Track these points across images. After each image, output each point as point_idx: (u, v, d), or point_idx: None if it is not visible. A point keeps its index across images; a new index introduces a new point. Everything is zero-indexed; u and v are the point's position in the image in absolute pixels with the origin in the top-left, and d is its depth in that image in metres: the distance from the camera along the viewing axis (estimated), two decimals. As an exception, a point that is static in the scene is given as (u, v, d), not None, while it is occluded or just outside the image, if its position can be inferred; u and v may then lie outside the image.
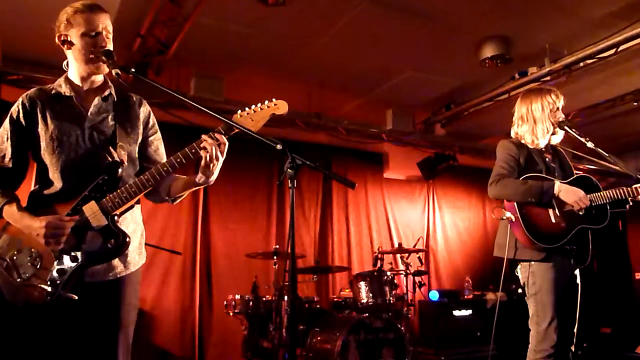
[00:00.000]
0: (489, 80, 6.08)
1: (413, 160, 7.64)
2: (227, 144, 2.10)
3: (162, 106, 5.23)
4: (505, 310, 5.14)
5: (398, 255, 6.79)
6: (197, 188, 2.28)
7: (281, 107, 2.14)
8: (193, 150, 2.10)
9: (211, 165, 2.09)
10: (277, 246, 5.30)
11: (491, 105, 6.39)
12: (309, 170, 1.74)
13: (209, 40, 5.16)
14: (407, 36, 5.18)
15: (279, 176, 6.76)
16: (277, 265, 5.17)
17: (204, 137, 2.08)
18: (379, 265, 5.47)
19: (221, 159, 2.11)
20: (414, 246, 6.29)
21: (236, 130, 2.07)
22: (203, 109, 2.05)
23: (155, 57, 5.03)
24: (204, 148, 2.07)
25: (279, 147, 1.83)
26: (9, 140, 2.19)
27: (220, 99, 5.70)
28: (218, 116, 2.01)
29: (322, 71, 5.93)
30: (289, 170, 1.81)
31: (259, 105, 2.14)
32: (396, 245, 6.33)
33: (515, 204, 3.04)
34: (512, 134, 3.31)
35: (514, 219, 3.03)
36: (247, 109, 2.14)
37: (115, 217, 2.09)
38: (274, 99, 2.16)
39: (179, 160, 2.10)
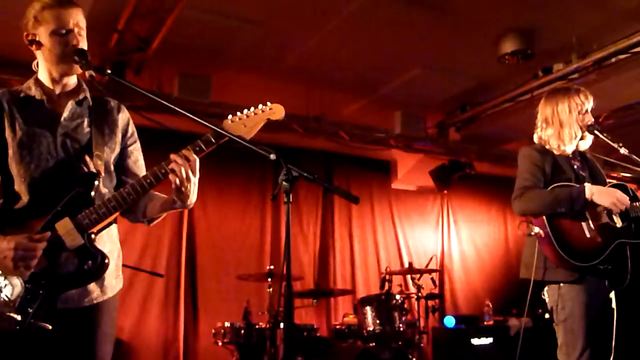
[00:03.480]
0: (509, 79, 6.11)
1: (425, 169, 7.67)
2: (197, 160, 2.10)
3: (143, 109, 5.25)
4: (531, 338, 5.13)
5: (408, 277, 6.80)
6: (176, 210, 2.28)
7: (277, 111, 2.15)
8: (162, 171, 2.10)
9: (183, 188, 2.09)
10: (272, 267, 5.31)
11: (512, 106, 6.41)
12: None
13: (194, 35, 5.20)
14: (416, 30, 5.21)
15: (273, 189, 6.77)
16: (271, 289, 5.18)
17: (172, 156, 2.08)
18: (387, 287, 5.47)
19: (194, 179, 2.11)
20: (427, 266, 6.29)
21: (226, 138, 2.08)
22: (188, 114, 2.06)
23: (134, 54, 5.07)
24: (172, 170, 2.07)
25: (272, 157, 1.84)
26: None
27: (207, 100, 5.73)
28: (206, 123, 2.03)
29: (322, 69, 5.97)
30: (284, 182, 1.82)
31: (252, 109, 2.16)
32: (406, 265, 6.34)
33: (544, 217, 3.03)
34: (536, 139, 3.33)
35: (543, 235, 3.02)
36: (239, 113, 2.15)
37: (92, 236, 2.10)
38: (268, 103, 2.18)
39: (163, 171, 2.11)
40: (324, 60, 5.77)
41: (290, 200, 1.81)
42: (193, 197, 2.16)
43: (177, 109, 2.11)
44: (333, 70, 6.01)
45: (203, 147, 2.10)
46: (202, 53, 5.55)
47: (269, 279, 5.17)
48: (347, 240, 7.37)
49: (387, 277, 5.62)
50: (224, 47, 5.45)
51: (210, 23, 5.03)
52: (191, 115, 2.03)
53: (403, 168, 7.81)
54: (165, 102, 2.13)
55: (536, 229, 3.05)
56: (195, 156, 2.09)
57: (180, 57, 5.58)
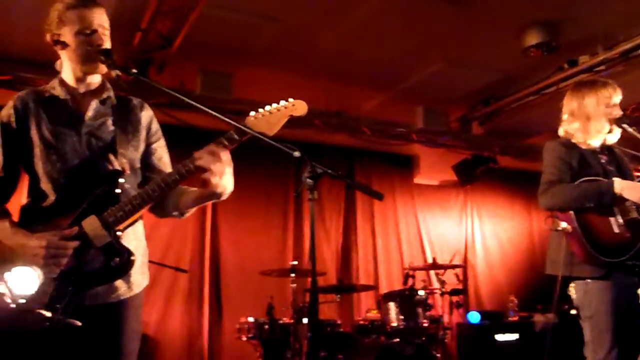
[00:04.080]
0: (534, 72, 6.04)
1: (447, 163, 7.62)
2: (227, 152, 2.09)
3: (166, 107, 5.30)
4: (557, 334, 5.07)
5: (432, 272, 6.75)
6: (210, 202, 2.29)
7: (299, 107, 2.14)
8: (186, 169, 2.09)
9: (219, 181, 2.08)
10: (295, 262, 5.31)
11: (536, 99, 6.34)
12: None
13: (216, 33, 5.23)
14: (438, 23, 5.18)
15: (295, 184, 6.81)
16: (295, 284, 5.18)
17: (195, 154, 2.07)
18: (410, 283, 5.46)
19: (229, 169, 2.10)
20: (450, 261, 6.26)
21: (249, 135, 2.09)
22: (210, 111, 2.06)
23: (157, 52, 5.12)
24: (201, 167, 2.06)
25: (296, 154, 1.84)
26: (0, 147, 2.24)
27: (229, 97, 5.77)
28: (228, 120, 2.03)
29: (343, 64, 5.96)
30: (308, 180, 1.81)
31: (274, 105, 2.15)
32: (429, 261, 6.31)
33: (572, 212, 2.99)
34: (561, 133, 3.28)
35: (570, 230, 2.98)
36: (261, 110, 2.14)
37: (118, 233, 2.13)
38: (290, 99, 2.17)
39: (187, 168, 2.10)
40: (345, 55, 5.76)
41: (315, 197, 1.81)
42: (229, 188, 2.14)
43: (199, 105, 2.10)
44: (354, 65, 6.00)
45: (226, 143, 2.09)
46: (223, 50, 5.58)
47: (292, 275, 5.18)
48: (370, 235, 7.35)
49: (410, 272, 5.61)
50: (245, 44, 5.48)
51: (232, 20, 5.05)
52: (213, 113, 2.03)
53: (425, 163, 7.77)
54: (188, 100, 2.13)
55: (563, 224, 3.01)
56: (220, 150, 2.07)
57: (202, 54, 5.63)
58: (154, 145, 2.42)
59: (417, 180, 7.82)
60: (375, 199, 1.78)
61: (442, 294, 5.81)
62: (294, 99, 2.20)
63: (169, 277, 5.98)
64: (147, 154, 2.40)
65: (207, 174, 2.06)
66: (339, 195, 7.17)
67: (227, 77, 5.81)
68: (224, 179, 2.10)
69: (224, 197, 2.17)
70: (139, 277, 2.29)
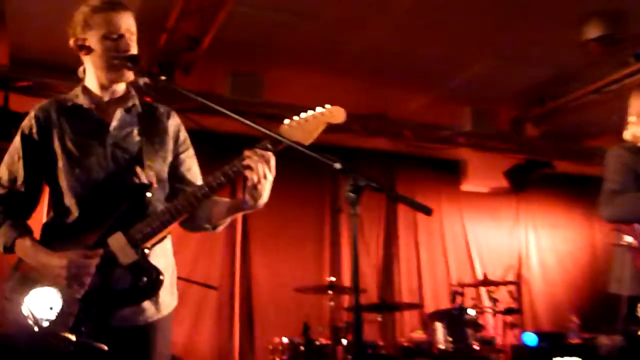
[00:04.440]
0: (594, 68, 5.93)
1: (498, 169, 7.55)
2: (273, 156, 2.12)
3: (193, 112, 5.37)
4: (624, 359, 4.95)
5: (482, 289, 6.68)
6: (243, 213, 2.31)
7: (337, 114, 2.15)
8: (234, 169, 2.12)
9: (259, 186, 2.11)
10: (333, 279, 5.32)
11: (597, 98, 6.22)
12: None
13: (245, 32, 5.28)
14: (487, 15, 5.13)
15: (331, 195, 6.84)
16: (332, 302, 5.19)
17: (246, 152, 2.11)
18: (458, 301, 5.44)
19: (271, 177, 2.12)
20: (503, 277, 6.19)
21: (284, 145, 2.10)
22: (243, 120, 2.06)
23: (183, 54, 5.21)
24: (248, 167, 2.09)
25: (337, 166, 1.83)
26: (21, 160, 2.30)
27: (260, 100, 5.83)
28: (262, 129, 2.04)
29: (382, 63, 5.94)
30: (350, 194, 1.81)
31: (310, 112, 2.16)
32: (480, 276, 6.26)
33: (637, 225, 2.94)
34: (627, 136, 3.22)
35: (636, 245, 2.92)
36: (296, 117, 2.15)
37: (146, 251, 2.16)
38: (327, 105, 2.18)
39: (219, 181, 2.13)
40: (384, 52, 5.75)
41: (357, 212, 1.80)
42: (265, 197, 2.16)
43: (229, 113, 2.09)
44: (395, 64, 5.98)
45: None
46: (253, 50, 5.63)
47: (330, 292, 5.18)
48: (413, 248, 7.33)
49: (459, 289, 5.57)
50: (276, 44, 5.51)
51: (262, 18, 5.10)
52: (247, 122, 2.04)
53: (474, 168, 7.71)
54: (217, 107, 2.11)
55: (628, 238, 2.96)
56: (271, 155, 2.10)
57: (231, 55, 5.69)
58: (182, 156, 2.46)
59: (465, 187, 7.77)
60: (423, 213, 1.76)
61: (495, 314, 5.75)
62: (330, 101, 2.20)
63: (197, 294, 6.03)
64: (175, 164, 2.43)
65: (250, 176, 2.08)
66: (379, 203, 7.16)
67: (257, 79, 5.88)
68: (266, 187, 2.13)
69: (259, 207, 2.19)
70: (168, 297, 2.33)
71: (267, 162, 2.09)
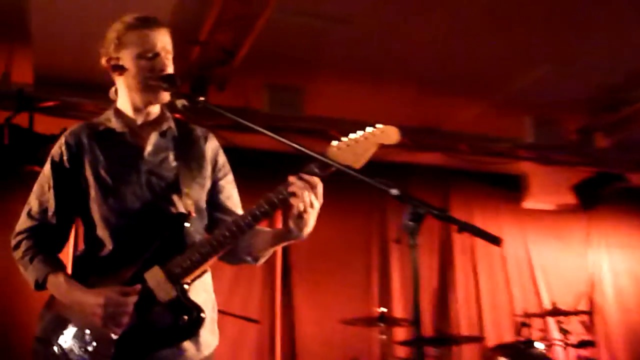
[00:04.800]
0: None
1: (565, 184, 7.44)
2: (321, 184, 2.13)
3: (228, 129, 5.43)
4: None
5: (551, 319, 6.58)
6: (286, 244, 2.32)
7: (390, 134, 2.14)
8: (280, 197, 2.13)
9: (305, 215, 2.12)
10: (383, 310, 5.29)
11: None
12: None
13: (284, 42, 5.31)
14: (550, 15, 5.08)
15: (380, 221, 6.83)
16: (384, 335, 5.16)
17: (291, 178, 2.11)
18: (524, 333, 5.36)
19: (317, 206, 2.13)
20: (574, 306, 6.07)
21: (333, 169, 2.10)
22: (288, 142, 2.06)
23: (218, 68, 5.27)
24: (293, 194, 2.10)
25: (394, 192, 1.83)
26: (52, 189, 2.35)
27: (300, 114, 5.86)
28: (310, 152, 2.04)
29: (433, 71, 5.92)
30: (409, 222, 1.80)
31: (360, 133, 2.15)
32: (547, 305, 6.15)
33: None
34: None
35: None
36: (344, 139, 2.15)
37: (186, 286, 2.18)
38: (379, 125, 2.18)
39: (263, 209, 2.14)
40: (435, 59, 5.73)
41: (416, 242, 1.79)
42: (310, 227, 2.18)
43: (271, 134, 2.10)
44: (447, 71, 5.95)
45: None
46: (292, 61, 5.66)
47: (380, 324, 5.15)
48: (471, 275, 7.30)
49: (525, 320, 5.48)
50: (317, 53, 5.54)
51: (302, 26, 5.12)
52: (291, 143, 2.05)
53: (537, 184, 7.62)
54: (258, 128, 2.12)
55: None
56: (318, 181, 2.11)
57: (268, 67, 5.73)
58: (221, 182, 2.49)
59: (528, 204, 7.68)
60: (492, 244, 1.74)
61: (566, 347, 5.65)
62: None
63: (234, 327, 6.04)
64: (214, 192, 2.46)
65: (296, 204, 2.09)
66: (431, 224, 7.05)
67: (297, 93, 5.92)
68: (312, 215, 2.14)
69: (303, 237, 2.20)
70: (209, 336, 2.34)
71: (314, 188, 2.10)
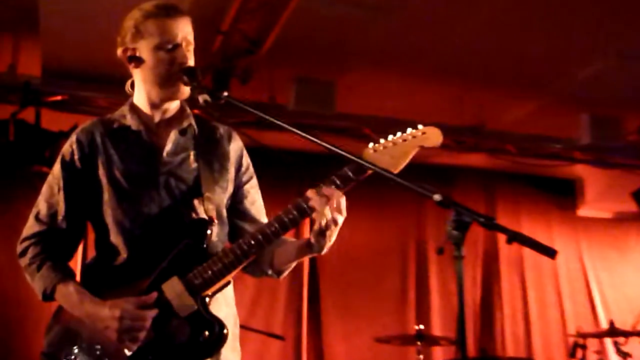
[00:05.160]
0: None
1: (624, 189, 7.36)
2: (343, 196, 2.12)
3: (253, 127, 5.45)
4: None
5: (608, 340, 6.50)
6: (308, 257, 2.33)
7: (432, 137, 2.13)
8: (290, 217, 2.15)
9: (327, 232, 2.12)
10: (421, 327, 5.26)
11: None
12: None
13: (314, 32, 5.31)
14: (608, 5, 5.02)
15: (417, 228, 6.79)
16: (422, 355, 5.13)
17: (309, 193, 2.11)
18: (579, 355, 5.33)
19: (341, 220, 2.12)
20: (634, 325, 5.99)
21: (369, 173, 2.09)
22: (318, 141, 2.04)
23: (241, 59, 5.28)
24: (312, 208, 2.10)
25: (436, 198, 1.80)
26: (62, 191, 2.36)
27: (332, 112, 5.85)
28: (344, 153, 2.02)
29: (478, 65, 5.89)
30: (453, 231, 1.77)
31: (399, 135, 2.15)
32: (604, 324, 6.08)
33: None
34: None
35: None
36: (382, 141, 2.15)
37: (207, 299, 2.19)
38: (420, 126, 2.16)
39: (292, 216, 2.15)
40: (480, 53, 5.69)
41: (462, 254, 1.76)
42: (331, 241, 2.18)
43: (299, 132, 2.05)
44: (494, 65, 5.91)
45: (339, 184, 2.12)
46: (323, 53, 5.66)
47: (418, 342, 5.13)
48: (519, 289, 7.27)
49: (579, 340, 5.41)
50: (351, 44, 5.53)
51: (334, 14, 5.12)
52: (324, 143, 2.03)
53: (593, 189, 7.62)
54: (284, 125, 2.08)
55: None
56: (341, 193, 2.10)
57: (296, 59, 5.74)
58: (246, 187, 2.49)
59: (582, 212, 7.66)
60: (546, 256, 1.71)
61: (626, 371, 5.55)
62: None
63: (256, 343, 6.05)
64: (238, 197, 2.47)
65: (318, 219, 2.09)
66: (475, 232, 7.04)
67: (328, 87, 5.91)
68: (335, 232, 2.14)
69: (324, 252, 2.21)
70: (230, 354, 2.34)
71: (337, 204, 2.09)
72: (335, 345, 6.42)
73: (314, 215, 2.10)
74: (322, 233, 2.13)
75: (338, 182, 2.12)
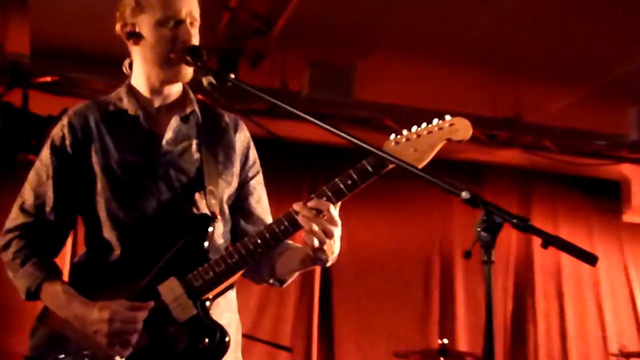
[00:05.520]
0: None
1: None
2: (334, 208, 2.12)
3: (262, 115, 5.45)
4: None
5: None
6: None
7: (461, 129, 2.12)
8: (282, 227, 2.17)
9: (324, 246, 2.12)
10: (445, 341, 5.27)
11: None
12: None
13: (333, 11, 5.32)
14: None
15: (443, 229, 6.78)
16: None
17: (296, 206, 2.11)
18: (621, 376, 5.27)
19: (337, 231, 2.12)
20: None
21: (390, 167, 2.09)
22: (335, 131, 2.05)
23: (250, 40, 5.29)
24: (298, 227, 2.12)
25: (464, 195, 1.80)
26: (51, 179, 2.37)
27: (350, 100, 5.85)
28: (363, 144, 2.02)
29: (513, 52, 5.88)
30: (482, 233, 1.76)
31: (424, 126, 2.15)
32: (650, 342, 6.05)
33: None
34: None
35: None
36: (405, 132, 2.15)
37: (207, 303, 2.20)
38: (447, 116, 2.16)
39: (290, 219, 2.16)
40: (516, 36, 5.69)
41: (492, 258, 1.75)
42: (335, 252, 2.19)
43: (316, 121, 2.07)
44: (531, 51, 5.91)
45: (357, 179, 2.12)
46: (341, 35, 5.66)
47: (442, 359, 5.13)
48: (555, 299, 7.25)
49: (621, 359, 5.38)
50: (372, 26, 5.53)
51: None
52: (342, 134, 2.03)
53: (641, 192, 7.52)
54: (300, 113, 2.09)
55: None
56: (329, 204, 2.10)
57: (312, 41, 5.75)
58: (252, 182, 2.50)
59: (628, 217, 7.63)
60: (585, 262, 1.70)
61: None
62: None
63: (262, 354, 6.07)
64: (244, 194, 2.48)
65: (308, 237, 2.10)
66: (507, 236, 7.05)
67: (346, 73, 5.91)
68: (335, 242, 2.14)
69: (328, 264, 2.22)
70: (231, 363, 2.35)
71: (328, 217, 2.09)
72: (349, 359, 6.42)
73: (303, 235, 2.11)
74: (319, 249, 2.13)
75: (355, 177, 2.11)
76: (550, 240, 1.70)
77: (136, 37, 2.36)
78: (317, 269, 6.47)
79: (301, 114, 2.10)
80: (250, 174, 2.50)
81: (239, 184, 2.47)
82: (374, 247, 6.49)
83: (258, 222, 2.45)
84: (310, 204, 2.09)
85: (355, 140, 2.03)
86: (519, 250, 7.17)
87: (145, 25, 2.33)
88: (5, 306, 5.08)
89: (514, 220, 1.75)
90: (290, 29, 5.28)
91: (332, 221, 2.10)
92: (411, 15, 5.42)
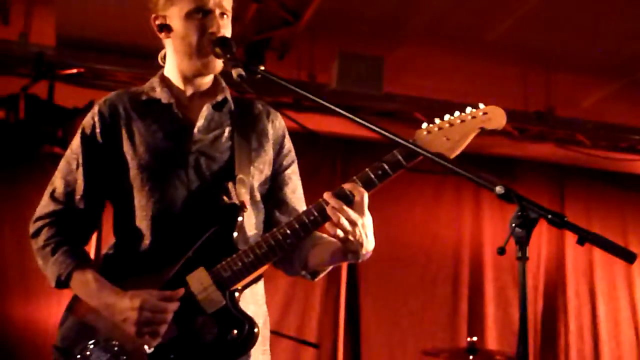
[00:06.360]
0: None
1: None
2: (365, 196, 2.12)
3: (290, 107, 5.46)
4: None
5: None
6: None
7: (495, 117, 2.13)
8: (311, 218, 2.18)
9: (351, 237, 2.12)
10: (474, 338, 5.26)
11: None
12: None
13: (360, 3, 5.32)
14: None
15: (473, 224, 6.74)
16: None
17: (326, 196, 2.13)
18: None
19: (367, 223, 2.13)
20: None
21: (420, 158, 2.11)
22: (365, 124, 2.05)
23: (277, 31, 5.31)
24: (328, 217, 2.11)
25: (498, 190, 1.80)
26: (81, 167, 2.40)
27: (379, 92, 5.85)
28: (392, 136, 2.04)
29: (546, 43, 5.85)
30: (517, 229, 1.76)
31: (457, 115, 2.16)
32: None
33: None
34: None
35: None
36: (437, 121, 2.16)
37: (236, 294, 2.22)
38: (481, 105, 2.17)
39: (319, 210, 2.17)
40: (549, 27, 5.66)
41: (526, 254, 1.74)
42: (369, 245, 2.19)
43: (347, 114, 2.07)
44: (564, 42, 5.88)
45: (388, 170, 2.14)
46: (371, 26, 5.66)
47: (471, 357, 5.13)
48: (587, 297, 7.23)
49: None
50: (402, 16, 5.53)
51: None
52: (372, 126, 2.04)
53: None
54: (331, 106, 2.09)
55: None
56: (362, 191, 2.11)
57: (340, 33, 5.75)
58: (287, 172, 2.52)
59: (664, 214, 7.50)
60: (623, 260, 1.70)
61: None
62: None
63: (287, 351, 6.10)
64: (277, 183, 2.49)
65: (332, 228, 2.11)
66: (538, 233, 7.02)
67: (375, 64, 5.89)
68: (367, 233, 2.15)
69: (363, 259, 2.23)
70: (259, 357, 2.38)
71: (356, 206, 2.10)
72: (376, 356, 6.42)
73: (326, 226, 2.12)
74: (347, 240, 2.13)
75: (387, 167, 2.13)
76: (586, 237, 1.69)
77: (167, 29, 2.40)
78: (344, 265, 6.47)
79: (332, 106, 2.10)
80: (285, 163, 2.52)
81: (273, 173, 2.48)
82: (402, 243, 6.48)
83: (293, 213, 2.43)
84: (346, 185, 2.11)
85: (385, 132, 2.04)
86: (550, 248, 7.14)
87: (175, 17, 2.36)
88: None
89: (550, 216, 1.74)
90: (319, 20, 5.30)
91: (359, 210, 2.10)
92: (441, 7, 5.41)
